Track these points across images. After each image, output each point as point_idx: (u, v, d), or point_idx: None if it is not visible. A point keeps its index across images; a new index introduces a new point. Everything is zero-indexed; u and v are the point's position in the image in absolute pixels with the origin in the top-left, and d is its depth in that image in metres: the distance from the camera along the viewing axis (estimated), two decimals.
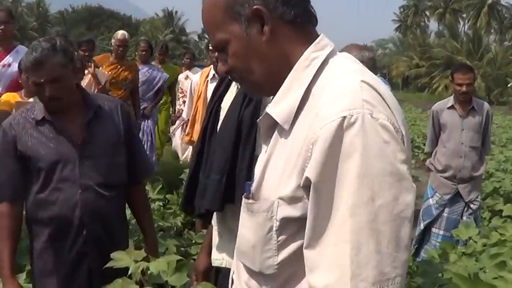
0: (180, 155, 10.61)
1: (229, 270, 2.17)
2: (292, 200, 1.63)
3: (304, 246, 1.59)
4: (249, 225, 1.78)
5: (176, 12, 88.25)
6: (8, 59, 6.58)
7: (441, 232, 6.93)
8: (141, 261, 3.16)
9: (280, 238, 1.68)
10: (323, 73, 1.68)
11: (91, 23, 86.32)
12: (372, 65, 4.52)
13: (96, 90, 7.61)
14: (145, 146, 9.42)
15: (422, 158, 13.99)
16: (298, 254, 1.64)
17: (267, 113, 1.74)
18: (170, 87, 10.76)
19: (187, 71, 11.51)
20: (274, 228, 1.68)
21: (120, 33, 8.93)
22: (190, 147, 9.72)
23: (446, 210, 6.94)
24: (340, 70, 1.67)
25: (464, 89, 6.59)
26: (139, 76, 9.42)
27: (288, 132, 1.68)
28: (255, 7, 1.66)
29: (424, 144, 8.97)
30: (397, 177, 1.50)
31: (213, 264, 3.15)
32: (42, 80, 3.23)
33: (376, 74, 4.56)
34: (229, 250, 2.93)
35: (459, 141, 6.81)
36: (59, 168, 3.36)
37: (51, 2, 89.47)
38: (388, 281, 1.49)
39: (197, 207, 3.14)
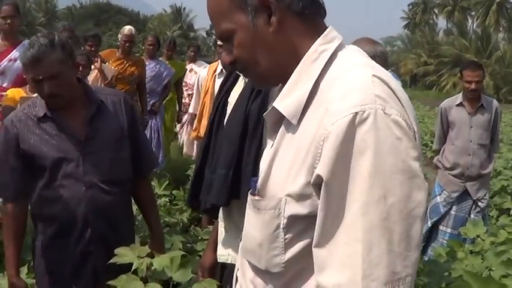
0: (185, 149, 10.60)
1: (235, 266, 2.14)
2: (300, 197, 1.59)
3: (313, 244, 1.56)
4: (255, 223, 1.74)
5: (184, 8, 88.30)
6: (14, 53, 6.56)
7: (449, 230, 6.90)
8: (145, 257, 3.14)
9: (287, 236, 1.65)
10: (332, 66, 1.64)
11: (99, 18, 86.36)
12: (385, 59, 4.48)
13: (102, 86, 7.61)
14: (152, 143, 9.43)
15: (430, 155, 13.94)
16: (305, 252, 1.61)
17: (273, 107, 1.70)
18: (177, 84, 10.69)
19: (192, 64, 11.49)
20: (281, 226, 1.65)
21: (127, 29, 8.89)
22: (195, 142, 9.76)
23: (454, 208, 6.90)
24: (350, 63, 1.63)
25: (473, 86, 6.54)
26: (148, 71, 9.38)
27: (295, 127, 1.64)
28: None
29: (432, 142, 8.94)
30: (409, 174, 1.47)
31: (218, 260, 3.13)
32: (40, 77, 3.18)
33: (387, 69, 4.53)
34: (235, 246, 2.90)
35: (467, 139, 6.76)
36: (63, 165, 3.32)
37: None
38: (399, 281, 1.46)
39: (203, 202, 3.12)
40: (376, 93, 1.50)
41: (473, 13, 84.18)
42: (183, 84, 11.05)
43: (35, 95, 4.80)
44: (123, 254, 3.15)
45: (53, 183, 3.34)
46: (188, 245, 5.37)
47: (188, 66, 11.38)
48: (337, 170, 1.47)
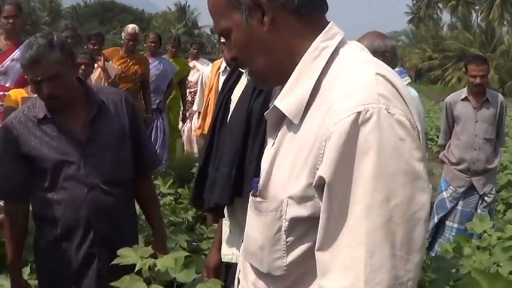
0: (186, 146, 10.62)
1: None
2: (302, 199, 1.56)
3: (316, 247, 1.53)
4: (256, 225, 1.71)
5: (189, 6, 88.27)
6: (17, 53, 6.52)
7: (455, 225, 6.88)
8: (148, 257, 3.11)
9: (289, 239, 1.62)
10: (333, 64, 1.61)
11: (103, 17, 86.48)
12: (394, 54, 4.45)
13: (106, 84, 7.61)
14: (158, 143, 9.42)
15: (435, 150, 13.92)
16: (307, 255, 1.58)
17: (274, 106, 1.66)
18: (180, 83, 10.67)
19: (195, 61, 11.47)
20: (283, 229, 1.61)
21: (131, 27, 8.87)
22: (194, 140, 9.75)
23: (461, 203, 6.88)
24: (352, 60, 1.60)
25: (478, 80, 6.52)
26: (153, 70, 9.37)
27: (297, 127, 1.61)
28: None
29: (438, 137, 8.92)
30: (412, 176, 1.44)
31: (222, 260, 3.11)
32: (39, 78, 3.14)
33: (397, 64, 4.50)
34: (239, 245, 2.87)
35: (473, 134, 6.74)
36: (64, 167, 3.28)
37: None
38: (402, 285, 1.44)
39: (206, 201, 3.10)
40: (379, 92, 1.46)
41: (477, 7, 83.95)
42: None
43: (36, 95, 4.79)
44: (126, 255, 3.14)
45: (54, 186, 3.30)
46: (194, 243, 5.36)
47: (191, 64, 11.35)
48: (340, 171, 1.44)
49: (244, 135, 2.86)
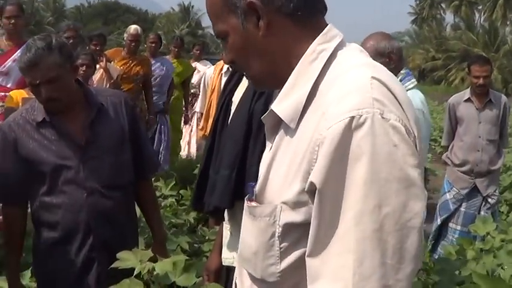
0: (184, 147, 10.64)
1: None
2: (296, 204, 1.53)
3: (306, 254, 1.50)
4: (251, 230, 1.69)
5: (193, 6, 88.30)
6: (18, 53, 6.51)
7: (458, 227, 6.85)
8: (148, 261, 3.09)
9: (282, 245, 1.59)
10: (331, 67, 1.58)
11: (107, 17, 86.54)
12: (401, 55, 4.40)
13: (108, 85, 7.60)
14: (162, 145, 9.41)
15: (438, 151, 13.89)
16: (302, 262, 1.54)
17: (271, 110, 1.64)
18: (184, 84, 10.63)
19: (196, 63, 11.43)
20: (276, 234, 1.59)
21: (133, 28, 8.84)
22: (192, 141, 9.77)
23: (464, 205, 6.85)
24: (350, 63, 1.57)
25: (481, 81, 6.49)
26: (156, 71, 9.38)
27: (293, 131, 1.59)
28: (249, 0, 1.57)
29: (441, 137, 8.89)
30: (406, 183, 1.40)
31: (223, 264, 3.09)
32: (37, 82, 3.10)
33: (403, 66, 4.44)
34: None
35: (476, 135, 6.71)
36: (63, 171, 3.25)
37: None
38: None
39: (206, 204, 3.08)
40: (374, 96, 1.43)
41: (480, 7, 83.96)
42: None
43: None
44: (125, 258, 3.11)
45: (53, 190, 3.27)
46: (195, 245, 5.34)
47: (192, 65, 11.31)
48: (331, 177, 1.41)
49: (245, 138, 2.85)
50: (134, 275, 3.03)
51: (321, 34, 1.61)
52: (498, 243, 4.92)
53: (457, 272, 4.18)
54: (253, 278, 1.74)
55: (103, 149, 3.32)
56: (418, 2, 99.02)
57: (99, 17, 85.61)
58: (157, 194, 6.19)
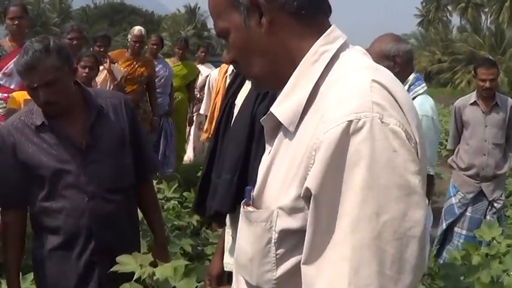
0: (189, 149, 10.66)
1: None
2: (292, 210, 1.49)
3: (302, 261, 1.46)
4: (247, 236, 1.64)
5: (199, 8, 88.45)
6: None
7: (464, 232, 6.81)
8: (148, 265, 3.06)
9: (279, 251, 1.55)
10: (333, 69, 1.54)
11: (113, 19, 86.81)
12: (408, 58, 4.30)
13: (111, 87, 7.58)
14: (167, 149, 9.42)
15: (444, 154, 13.84)
16: (298, 269, 1.50)
17: (270, 113, 1.60)
18: (189, 86, 10.60)
19: (200, 65, 11.39)
20: (272, 241, 1.55)
21: (137, 29, 8.82)
22: (190, 144, 9.77)
23: (469, 209, 6.80)
24: (352, 65, 1.53)
25: (487, 84, 6.45)
26: (160, 72, 9.37)
27: (292, 134, 1.54)
28: None
29: (447, 140, 8.85)
30: (407, 190, 1.35)
31: (225, 269, 3.06)
32: (35, 85, 3.05)
33: (411, 70, 4.34)
34: None
35: (482, 138, 6.67)
36: (63, 175, 3.21)
37: None
38: None
39: (208, 208, 3.05)
40: (373, 99, 1.39)
41: (486, 10, 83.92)
42: None
43: None
44: (126, 263, 3.08)
45: (53, 194, 3.23)
46: (198, 248, 5.32)
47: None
48: (327, 183, 1.37)
49: (248, 141, 2.83)
50: (134, 279, 3.00)
51: (323, 35, 1.58)
52: (504, 248, 4.87)
53: (462, 278, 4.14)
54: (249, 285, 1.69)
55: (103, 153, 3.27)
56: (424, 4, 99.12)
57: (105, 18, 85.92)
58: (160, 196, 6.18)
